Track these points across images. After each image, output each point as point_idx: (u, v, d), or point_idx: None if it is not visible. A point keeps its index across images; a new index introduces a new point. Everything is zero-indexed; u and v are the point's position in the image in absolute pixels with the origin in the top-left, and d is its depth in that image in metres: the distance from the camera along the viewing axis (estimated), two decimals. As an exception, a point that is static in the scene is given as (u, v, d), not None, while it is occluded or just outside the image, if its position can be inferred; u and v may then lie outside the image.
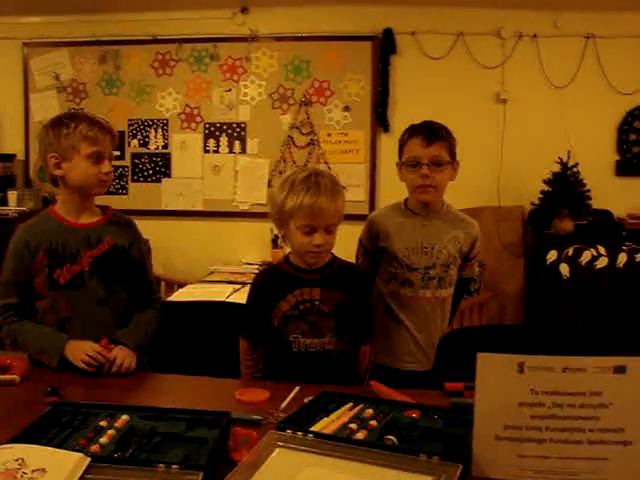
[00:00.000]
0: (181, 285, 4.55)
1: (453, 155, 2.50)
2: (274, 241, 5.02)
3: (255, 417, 1.66)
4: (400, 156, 2.54)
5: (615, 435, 1.34)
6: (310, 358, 2.17)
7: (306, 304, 2.19)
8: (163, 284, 5.07)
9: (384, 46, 5.11)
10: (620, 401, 1.34)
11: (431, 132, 2.45)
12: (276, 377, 2.18)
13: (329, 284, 2.19)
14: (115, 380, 2.07)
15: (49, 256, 2.21)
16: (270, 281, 2.29)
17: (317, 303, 2.18)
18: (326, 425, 1.54)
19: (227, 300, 3.81)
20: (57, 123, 2.22)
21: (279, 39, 5.24)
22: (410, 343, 2.54)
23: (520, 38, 5.03)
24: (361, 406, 1.65)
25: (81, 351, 2.10)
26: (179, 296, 4.00)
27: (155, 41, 5.35)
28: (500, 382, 1.36)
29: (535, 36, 5.01)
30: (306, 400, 1.74)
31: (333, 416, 1.60)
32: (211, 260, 5.11)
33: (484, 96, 5.09)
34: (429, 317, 2.54)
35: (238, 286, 4.18)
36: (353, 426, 1.53)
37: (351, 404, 1.67)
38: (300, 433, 1.43)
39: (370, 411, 1.62)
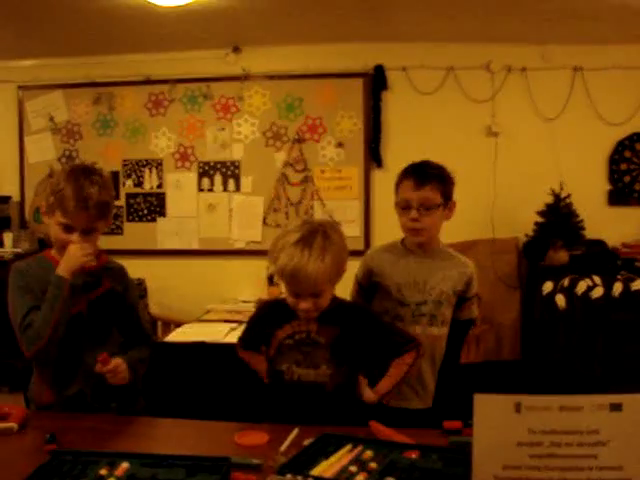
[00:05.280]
0: (178, 325, 4.54)
1: (447, 196, 2.49)
2: (270, 279, 5.02)
3: (255, 461, 1.66)
4: (396, 197, 2.55)
5: (614, 473, 1.34)
6: (303, 389, 2.17)
7: (302, 334, 2.21)
8: (160, 324, 5.07)
9: (375, 82, 5.16)
10: (618, 439, 1.34)
11: (422, 175, 2.45)
12: (271, 409, 2.20)
13: (327, 320, 2.20)
14: (113, 425, 2.07)
15: None
16: (270, 311, 2.35)
17: (312, 334, 2.20)
18: (326, 468, 1.54)
19: (224, 341, 3.81)
20: (58, 174, 2.23)
21: (271, 78, 5.29)
22: None
23: (509, 71, 5.09)
24: (360, 448, 1.65)
25: (73, 255, 2.15)
26: (176, 336, 3.99)
27: (148, 82, 5.41)
28: (498, 422, 1.37)
29: (524, 69, 5.07)
30: (305, 442, 1.74)
31: (333, 459, 1.60)
32: (207, 299, 5.11)
33: (475, 129, 5.14)
34: None
35: (235, 325, 4.18)
36: (353, 469, 1.54)
37: (350, 446, 1.67)
38: (300, 477, 1.43)
39: (369, 453, 1.62)
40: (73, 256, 2.14)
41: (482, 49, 5.07)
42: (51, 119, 5.53)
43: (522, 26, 4.69)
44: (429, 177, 2.45)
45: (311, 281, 2.07)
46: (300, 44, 5.18)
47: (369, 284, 2.61)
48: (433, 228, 2.51)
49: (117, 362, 2.16)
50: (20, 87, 5.55)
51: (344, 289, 2.47)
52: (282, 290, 4.80)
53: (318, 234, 2.13)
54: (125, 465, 1.54)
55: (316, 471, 1.52)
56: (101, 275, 2.33)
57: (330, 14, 4.58)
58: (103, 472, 1.51)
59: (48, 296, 2.13)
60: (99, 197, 2.19)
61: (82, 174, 2.22)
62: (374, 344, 2.28)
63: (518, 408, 1.36)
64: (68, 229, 2.18)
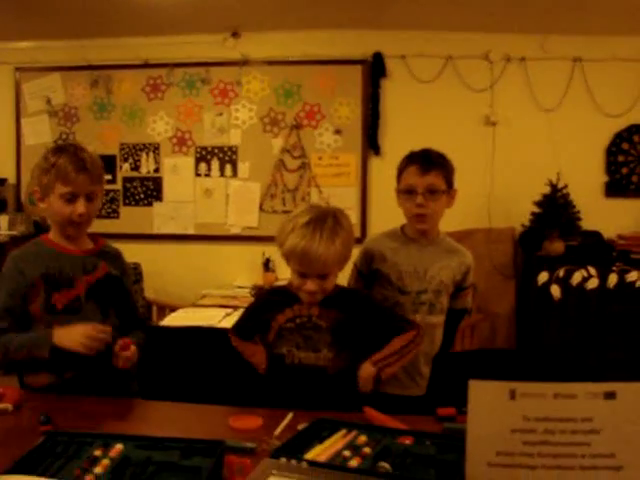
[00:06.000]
0: (173, 309, 4.54)
1: (450, 183, 2.50)
2: (266, 264, 5.03)
3: (249, 445, 1.66)
4: (398, 183, 2.56)
5: (606, 460, 1.34)
6: (304, 373, 2.19)
7: (303, 318, 2.22)
8: (155, 308, 5.07)
9: (374, 70, 5.16)
10: (611, 427, 1.34)
11: (427, 161, 2.46)
12: (273, 392, 2.19)
13: (329, 304, 2.22)
14: (107, 407, 2.07)
15: (46, 281, 2.22)
16: (271, 296, 2.37)
17: (314, 318, 2.21)
18: (320, 452, 1.54)
19: (219, 325, 3.81)
20: (44, 156, 2.24)
21: (270, 63, 5.28)
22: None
23: (508, 61, 5.09)
24: (354, 433, 1.66)
25: (76, 334, 2.09)
26: (171, 320, 3.99)
27: (146, 65, 5.39)
28: (492, 409, 1.37)
29: (523, 59, 5.07)
30: (299, 427, 1.74)
31: (327, 443, 1.60)
32: (203, 284, 5.11)
33: (474, 119, 5.14)
34: None
35: (230, 310, 4.18)
36: (347, 453, 1.54)
37: (344, 431, 1.67)
38: (294, 461, 1.43)
39: (363, 438, 1.63)
40: (77, 334, 2.09)
41: (481, 38, 5.07)
42: (48, 101, 5.52)
43: (522, 16, 4.69)
44: (434, 163, 2.47)
45: (321, 261, 2.10)
46: (299, 30, 5.17)
47: (369, 271, 2.61)
48: (437, 215, 2.52)
49: (134, 349, 2.19)
50: (17, 69, 5.53)
51: (341, 277, 2.46)
52: (277, 276, 4.86)
53: (329, 217, 2.16)
54: (119, 447, 1.54)
55: (310, 455, 1.53)
56: (99, 259, 2.33)
57: (330, 0, 4.57)
58: (97, 453, 1.51)
59: (28, 341, 2.14)
60: (92, 160, 2.23)
61: (68, 146, 2.27)
62: (375, 328, 2.29)
63: (513, 395, 1.36)
64: (72, 198, 2.19)
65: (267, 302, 2.34)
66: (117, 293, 2.36)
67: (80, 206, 2.19)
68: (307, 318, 2.22)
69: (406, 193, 2.49)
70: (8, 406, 1.97)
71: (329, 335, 2.20)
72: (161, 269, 5.30)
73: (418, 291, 2.52)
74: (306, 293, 2.18)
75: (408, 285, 2.52)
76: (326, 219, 2.16)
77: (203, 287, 5.05)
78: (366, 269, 2.62)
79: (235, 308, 4.22)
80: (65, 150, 2.23)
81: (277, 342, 2.23)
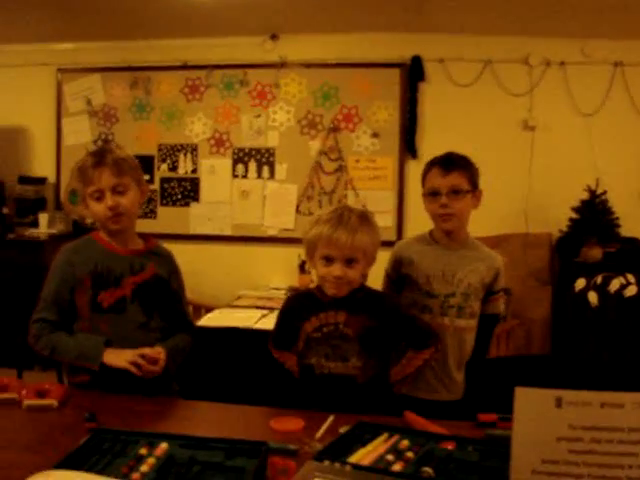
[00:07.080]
0: (209, 309, 4.57)
1: (474, 184, 2.52)
2: (301, 266, 5.04)
3: (291, 447, 1.67)
4: (423, 187, 2.58)
5: (654, 472, 1.33)
6: (334, 382, 2.19)
7: (330, 327, 2.21)
8: (191, 308, 5.09)
9: (412, 73, 5.14)
10: (659, 438, 1.34)
11: (448, 162, 2.50)
12: (304, 400, 2.20)
13: (355, 309, 2.21)
14: (150, 406, 2.09)
15: (94, 279, 2.25)
16: (297, 303, 2.36)
17: (341, 327, 2.20)
18: (363, 456, 1.55)
19: (255, 326, 3.83)
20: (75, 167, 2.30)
21: (308, 66, 5.30)
22: (427, 371, 2.53)
23: (548, 65, 5.05)
24: (397, 437, 1.66)
25: (124, 355, 2.14)
26: (207, 321, 4.02)
27: (185, 67, 5.44)
28: (538, 416, 1.36)
29: (563, 63, 5.02)
30: (341, 430, 1.75)
31: (369, 447, 1.60)
32: (238, 285, 5.15)
33: (512, 123, 5.10)
34: (446, 346, 2.53)
35: (266, 311, 4.20)
36: (390, 457, 1.54)
37: (386, 435, 1.68)
38: (338, 464, 1.44)
39: (406, 442, 1.63)
40: (125, 355, 2.15)
41: (521, 42, 5.03)
42: (88, 102, 5.59)
43: (562, 20, 4.65)
44: (455, 164, 2.50)
45: (348, 242, 2.12)
46: (337, 33, 5.18)
47: (398, 276, 2.62)
48: (462, 215, 2.53)
49: (162, 364, 2.20)
50: (59, 70, 5.61)
51: (373, 277, 2.46)
52: (313, 278, 4.86)
53: (356, 210, 2.22)
54: (164, 446, 1.55)
55: (353, 458, 1.53)
56: (147, 260, 2.36)
57: (368, 3, 4.58)
58: (143, 452, 1.53)
59: (78, 349, 2.20)
60: (115, 154, 2.26)
61: (97, 149, 2.34)
62: (397, 334, 2.29)
63: (559, 403, 1.35)
64: (100, 196, 2.23)
65: (294, 309, 2.34)
66: (163, 295, 2.38)
67: (107, 200, 2.22)
68: (334, 327, 2.21)
69: (430, 195, 2.52)
70: (53, 402, 2.00)
71: (357, 344, 2.19)
72: (197, 270, 5.32)
73: (446, 294, 2.53)
74: (331, 282, 2.18)
75: (436, 288, 2.53)
76: (353, 211, 2.21)
77: (239, 288, 5.08)
78: (394, 274, 2.64)
79: (271, 309, 4.23)
80: (90, 154, 2.28)
81: (306, 352, 2.24)
